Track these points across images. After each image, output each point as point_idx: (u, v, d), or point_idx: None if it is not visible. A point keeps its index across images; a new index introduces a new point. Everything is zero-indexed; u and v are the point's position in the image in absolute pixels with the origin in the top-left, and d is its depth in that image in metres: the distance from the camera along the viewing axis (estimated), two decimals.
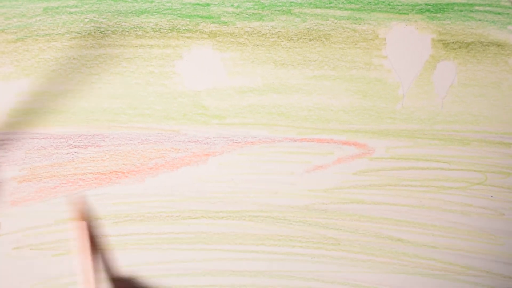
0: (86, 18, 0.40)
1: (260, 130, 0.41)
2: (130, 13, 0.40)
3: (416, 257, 0.41)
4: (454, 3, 0.41)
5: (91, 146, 0.40)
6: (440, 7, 0.41)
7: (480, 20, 0.41)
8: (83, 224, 0.38)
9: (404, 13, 0.41)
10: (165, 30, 0.40)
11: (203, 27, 0.40)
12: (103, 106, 0.40)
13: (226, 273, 0.41)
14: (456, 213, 0.41)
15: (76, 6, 0.40)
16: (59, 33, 0.40)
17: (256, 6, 0.41)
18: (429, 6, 0.41)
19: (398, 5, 0.41)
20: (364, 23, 0.41)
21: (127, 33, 0.40)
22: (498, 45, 0.41)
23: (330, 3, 0.41)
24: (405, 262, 0.41)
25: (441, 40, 0.41)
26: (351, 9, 0.41)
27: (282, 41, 0.41)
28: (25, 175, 0.40)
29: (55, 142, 0.40)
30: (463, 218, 0.41)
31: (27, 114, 0.40)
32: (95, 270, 0.37)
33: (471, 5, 0.41)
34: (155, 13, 0.40)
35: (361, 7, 0.41)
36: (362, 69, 0.41)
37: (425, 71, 0.41)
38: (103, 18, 0.40)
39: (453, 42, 0.41)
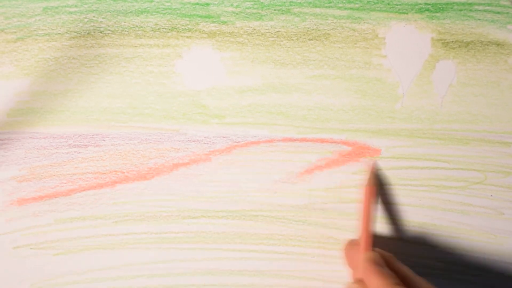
0: (85, 17, 0.40)
1: (260, 130, 0.41)
2: (129, 12, 0.40)
3: (416, 256, 0.41)
4: (453, 3, 0.41)
5: (90, 145, 0.40)
6: (440, 6, 0.41)
7: (479, 19, 0.41)
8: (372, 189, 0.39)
9: (404, 13, 0.41)
10: (165, 30, 0.40)
11: (202, 26, 0.41)
12: (102, 105, 0.40)
13: (226, 272, 0.41)
14: (456, 212, 0.41)
15: (76, 6, 0.40)
16: (59, 33, 0.40)
17: (255, 6, 0.41)
18: (429, 6, 0.41)
19: (397, 5, 0.41)
20: (364, 22, 0.41)
21: (126, 32, 0.40)
22: (498, 44, 0.41)
23: (330, 2, 0.41)
24: (404, 262, 0.41)
25: (441, 40, 0.41)
26: (351, 8, 0.41)
27: (282, 41, 0.41)
28: (24, 175, 0.40)
29: (54, 141, 0.40)
30: (462, 217, 0.41)
31: (27, 114, 0.40)
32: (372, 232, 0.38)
33: (470, 4, 0.41)
34: (154, 13, 0.40)
35: (361, 6, 0.41)
36: (361, 69, 0.41)
37: (425, 70, 0.41)
38: (103, 18, 0.40)
39: (452, 42, 0.41)
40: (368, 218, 0.38)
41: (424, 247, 0.41)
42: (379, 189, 0.41)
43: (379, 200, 0.41)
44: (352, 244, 0.39)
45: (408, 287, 0.34)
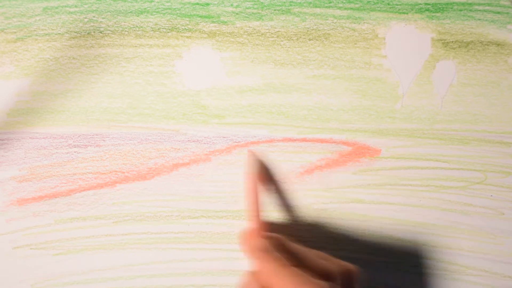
0: (85, 17, 0.40)
1: (260, 130, 0.41)
2: (129, 12, 0.40)
3: (416, 256, 0.41)
4: (453, 3, 0.41)
5: (90, 145, 0.40)
6: (440, 6, 0.41)
7: (479, 19, 0.41)
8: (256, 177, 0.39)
9: (404, 13, 0.41)
10: (165, 30, 0.40)
11: (202, 26, 0.41)
12: (102, 105, 0.40)
13: (226, 272, 0.41)
14: (456, 212, 0.41)
15: (76, 6, 0.40)
16: (59, 33, 0.40)
17: (255, 6, 0.41)
18: (429, 6, 0.41)
19: (397, 5, 0.41)
20: (364, 22, 0.41)
21: (126, 32, 0.40)
22: (498, 45, 0.41)
23: (330, 2, 0.41)
24: (404, 262, 0.41)
25: (441, 40, 0.41)
26: (351, 8, 0.41)
27: (282, 41, 0.41)
28: (24, 175, 0.40)
29: (54, 141, 0.40)
30: (462, 217, 0.41)
31: (27, 114, 0.40)
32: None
33: (470, 4, 0.41)
34: (154, 13, 0.40)
35: (361, 6, 0.41)
36: (361, 69, 0.41)
37: (425, 70, 0.41)
38: (103, 18, 0.40)
39: (452, 42, 0.41)
40: (255, 206, 0.37)
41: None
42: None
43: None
44: (246, 234, 0.37)
45: (302, 263, 0.34)
